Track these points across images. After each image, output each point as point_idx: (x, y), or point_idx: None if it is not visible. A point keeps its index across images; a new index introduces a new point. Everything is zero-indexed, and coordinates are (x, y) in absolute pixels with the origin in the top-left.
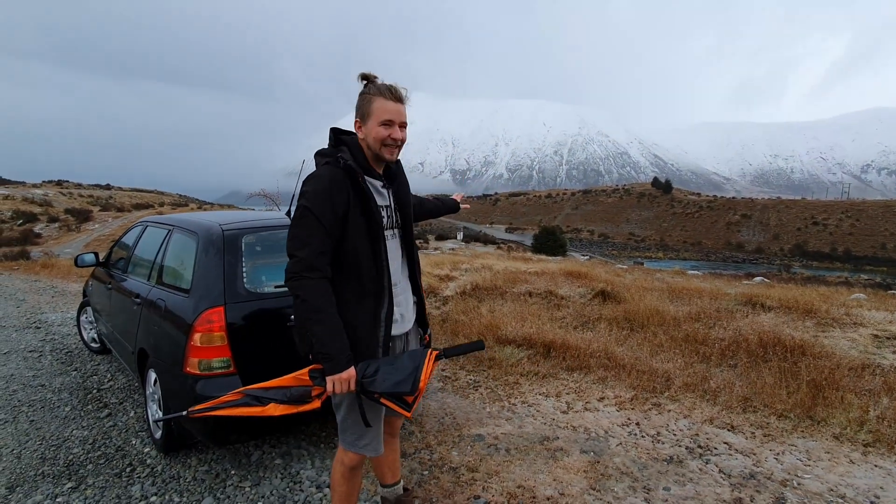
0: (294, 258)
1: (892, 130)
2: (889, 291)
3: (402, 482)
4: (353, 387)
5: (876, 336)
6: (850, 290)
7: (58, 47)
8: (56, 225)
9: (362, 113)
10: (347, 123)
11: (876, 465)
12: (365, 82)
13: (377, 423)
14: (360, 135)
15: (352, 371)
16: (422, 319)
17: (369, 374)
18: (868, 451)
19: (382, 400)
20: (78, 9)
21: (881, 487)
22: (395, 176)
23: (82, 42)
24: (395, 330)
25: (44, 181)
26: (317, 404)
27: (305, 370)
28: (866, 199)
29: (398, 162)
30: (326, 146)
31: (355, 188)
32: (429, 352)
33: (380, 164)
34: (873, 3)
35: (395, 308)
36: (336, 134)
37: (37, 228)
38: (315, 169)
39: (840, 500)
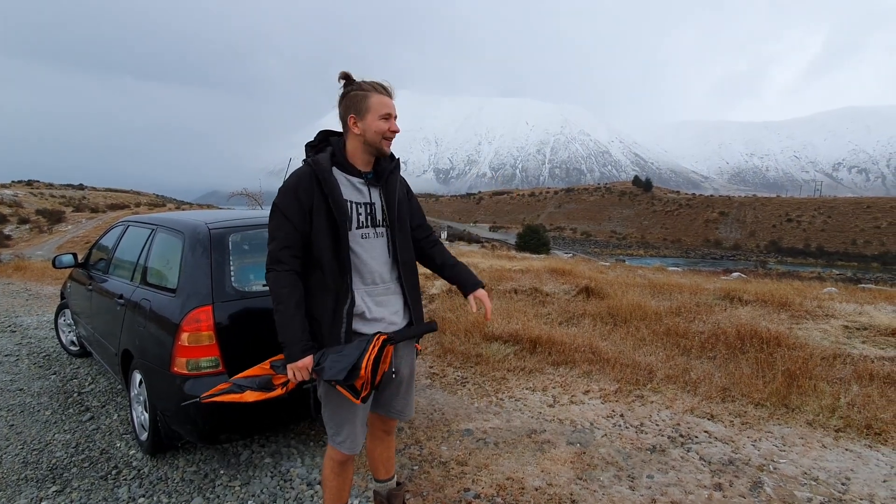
0: (267, 252)
1: (863, 129)
2: (859, 285)
3: (395, 478)
4: (309, 375)
5: (846, 327)
6: (823, 284)
7: (27, 39)
8: (27, 226)
9: (358, 109)
10: (331, 121)
11: (847, 449)
12: (346, 80)
13: (352, 420)
14: (356, 131)
15: (308, 360)
16: (415, 322)
17: (321, 362)
18: (839, 436)
19: (338, 388)
20: None
21: (851, 470)
22: (384, 174)
23: (53, 34)
24: (372, 329)
25: (13, 181)
26: (280, 392)
27: (268, 360)
28: (837, 197)
29: (396, 161)
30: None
31: (320, 184)
32: (375, 337)
33: (365, 162)
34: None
35: (373, 308)
36: (325, 135)
37: (7, 230)
38: None
39: (813, 483)
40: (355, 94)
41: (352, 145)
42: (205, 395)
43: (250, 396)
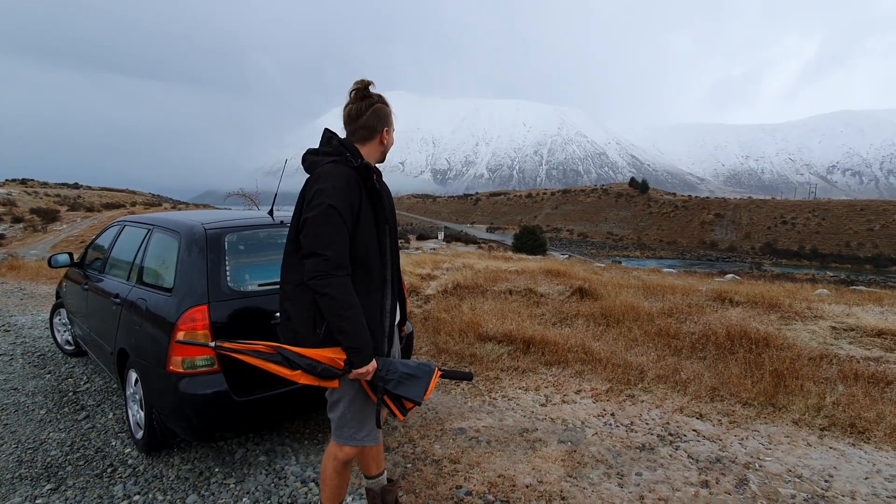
0: (320, 257)
1: (857, 133)
2: (851, 287)
3: (385, 473)
4: (370, 377)
5: (834, 328)
6: (816, 286)
7: (21, 36)
8: (21, 225)
9: (389, 123)
10: (326, 122)
11: (831, 448)
12: (367, 90)
13: (374, 414)
14: (385, 141)
15: (374, 363)
16: (402, 314)
17: (390, 372)
18: (824, 435)
19: (387, 398)
20: None
21: (835, 467)
22: (378, 179)
23: (47, 32)
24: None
25: (7, 180)
26: (335, 384)
27: (343, 353)
28: (832, 199)
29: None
30: (319, 146)
31: (367, 186)
32: (435, 370)
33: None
34: (845, 4)
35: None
36: (331, 135)
37: (0, 229)
38: (317, 168)
39: (797, 480)
40: (383, 108)
41: (369, 151)
42: (221, 343)
43: (303, 378)
